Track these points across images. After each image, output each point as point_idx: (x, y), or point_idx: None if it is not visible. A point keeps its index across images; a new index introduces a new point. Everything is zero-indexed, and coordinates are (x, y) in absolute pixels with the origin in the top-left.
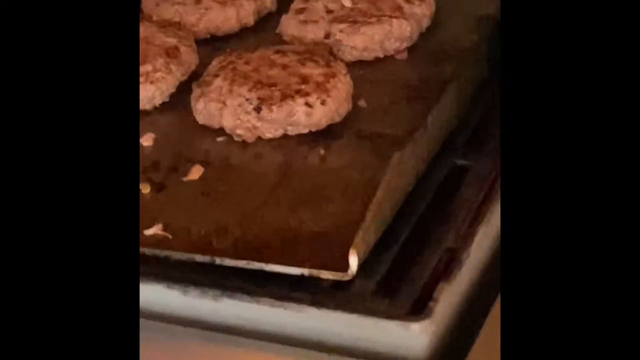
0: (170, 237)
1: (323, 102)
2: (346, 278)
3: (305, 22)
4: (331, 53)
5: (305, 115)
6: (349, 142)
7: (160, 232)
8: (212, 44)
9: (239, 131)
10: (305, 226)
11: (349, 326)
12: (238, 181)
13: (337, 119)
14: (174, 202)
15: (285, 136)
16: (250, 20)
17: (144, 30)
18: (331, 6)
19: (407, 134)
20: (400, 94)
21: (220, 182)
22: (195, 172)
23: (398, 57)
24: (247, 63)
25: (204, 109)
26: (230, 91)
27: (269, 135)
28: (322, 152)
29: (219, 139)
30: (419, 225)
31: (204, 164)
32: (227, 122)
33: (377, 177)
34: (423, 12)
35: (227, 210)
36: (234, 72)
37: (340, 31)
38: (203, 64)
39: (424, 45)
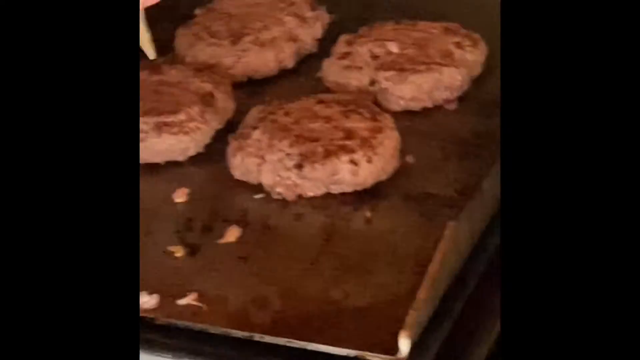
0: (204, 307)
1: (369, 160)
2: None
3: (349, 67)
4: (375, 102)
5: (350, 173)
6: (396, 203)
7: (193, 302)
8: (249, 88)
9: (278, 189)
10: (349, 299)
11: None
12: (278, 245)
13: (384, 177)
14: (209, 268)
15: (327, 195)
16: (289, 63)
17: (177, 74)
18: (377, 51)
19: (462, 200)
20: (450, 149)
21: (258, 246)
22: (232, 234)
23: (447, 107)
24: (287, 114)
25: (242, 164)
26: (270, 145)
27: (310, 194)
28: (367, 214)
29: (257, 196)
30: (474, 297)
31: (241, 224)
32: (266, 179)
33: (426, 244)
34: (475, 58)
35: (266, 279)
36: (274, 124)
37: (387, 79)
38: (240, 111)
39: (475, 94)
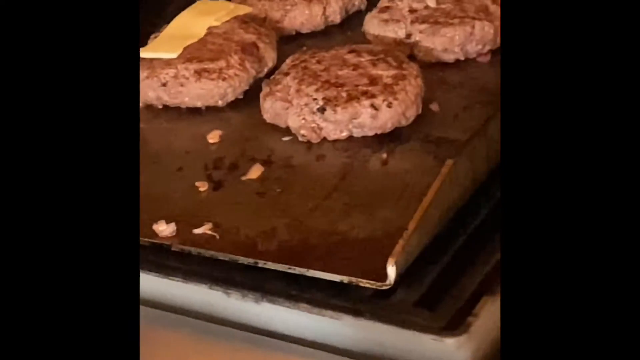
0: (217, 236)
1: (389, 105)
2: (384, 287)
3: (387, 21)
4: (411, 54)
5: (370, 117)
6: (414, 147)
7: (208, 232)
8: (297, 41)
9: (303, 131)
10: (353, 232)
11: (386, 337)
12: (295, 183)
13: (404, 123)
14: (228, 201)
15: (350, 138)
16: (336, 18)
17: (225, 25)
18: (415, 5)
19: (465, 141)
20: (475, 98)
21: (277, 183)
22: (255, 172)
23: (480, 59)
24: (319, 62)
25: (271, 108)
26: (298, 90)
27: (333, 137)
28: (384, 155)
29: (285, 138)
30: (471, 239)
31: (265, 163)
32: (292, 122)
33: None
34: None
35: (278, 212)
36: (305, 71)
37: (420, 32)
38: (283, 61)
39: None
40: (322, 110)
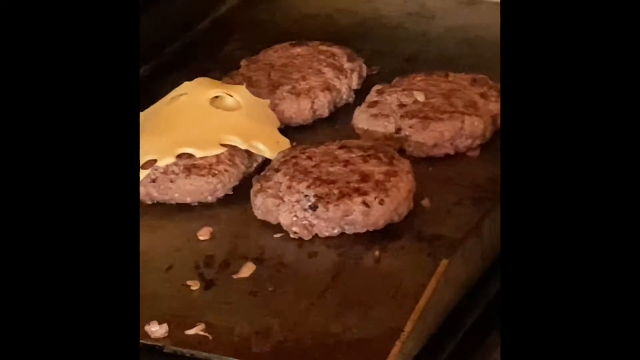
0: (210, 337)
1: (381, 202)
2: None
3: (376, 115)
4: (401, 149)
5: (362, 215)
6: (406, 244)
7: (201, 332)
8: (285, 135)
9: (295, 228)
10: (348, 332)
11: None
12: (288, 281)
13: (397, 219)
14: (221, 301)
15: (342, 235)
16: (325, 112)
17: None
18: (404, 100)
19: (460, 240)
20: (465, 193)
21: (269, 282)
22: (247, 270)
23: (470, 154)
24: (309, 158)
25: (262, 205)
26: (289, 187)
27: (325, 234)
28: (377, 253)
29: (276, 235)
30: (467, 338)
31: (257, 261)
32: (284, 219)
33: (429, 282)
34: (499, 108)
35: (272, 312)
36: (295, 167)
37: (410, 127)
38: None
39: (499, 143)
40: (313, 207)
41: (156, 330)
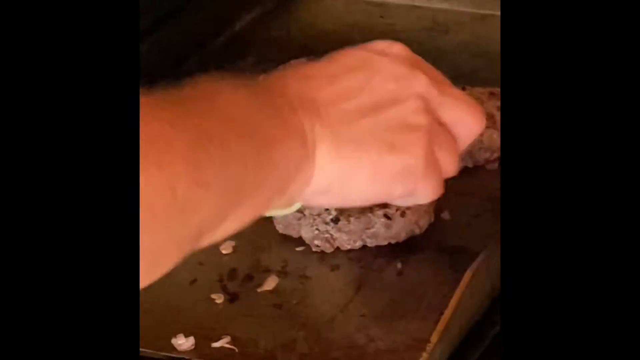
0: (237, 350)
1: (403, 214)
2: None
3: None
4: None
5: (384, 227)
6: (428, 256)
7: (227, 345)
8: None
9: (317, 242)
10: (373, 344)
11: None
12: (311, 294)
13: (418, 232)
14: (245, 314)
15: (364, 247)
16: None
17: None
18: None
19: (481, 252)
20: (486, 206)
21: (293, 295)
22: (270, 283)
23: (488, 167)
24: None
25: (283, 219)
26: None
27: (347, 247)
28: (399, 265)
29: (298, 248)
30: (490, 350)
31: (280, 274)
32: (306, 233)
33: (452, 294)
34: None
35: (296, 325)
36: None
37: None
38: None
39: None
40: (335, 220)
41: (183, 343)
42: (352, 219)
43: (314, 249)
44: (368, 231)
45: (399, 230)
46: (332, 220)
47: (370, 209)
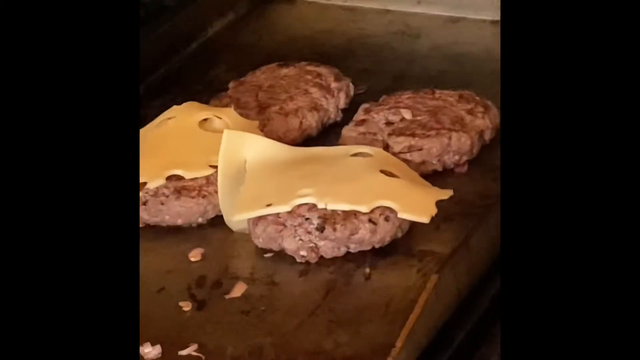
0: (204, 358)
1: (387, 218)
2: None
3: (364, 134)
4: None
5: (369, 232)
6: (396, 260)
7: (194, 353)
8: None
9: (302, 252)
10: (340, 350)
11: None
12: (279, 300)
13: (400, 235)
14: (213, 321)
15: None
16: (313, 131)
17: None
18: (391, 118)
19: (449, 255)
20: (454, 209)
21: (261, 301)
22: (238, 290)
23: (457, 170)
24: None
25: (264, 232)
26: (290, 211)
27: (331, 255)
28: (367, 270)
29: (267, 255)
30: (458, 353)
31: (248, 280)
32: (289, 244)
33: (419, 298)
34: (486, 124)
35: (263, 331)
36: None
37: (397, 144)
38: None
39: (487, 158)
40: (321, 229)
41: (150, 351)
42: (337, 226)
43: (298, 260)
44: (353, 237)
45: (384, 234)
46: (317, 228)
47: (355, 214)
